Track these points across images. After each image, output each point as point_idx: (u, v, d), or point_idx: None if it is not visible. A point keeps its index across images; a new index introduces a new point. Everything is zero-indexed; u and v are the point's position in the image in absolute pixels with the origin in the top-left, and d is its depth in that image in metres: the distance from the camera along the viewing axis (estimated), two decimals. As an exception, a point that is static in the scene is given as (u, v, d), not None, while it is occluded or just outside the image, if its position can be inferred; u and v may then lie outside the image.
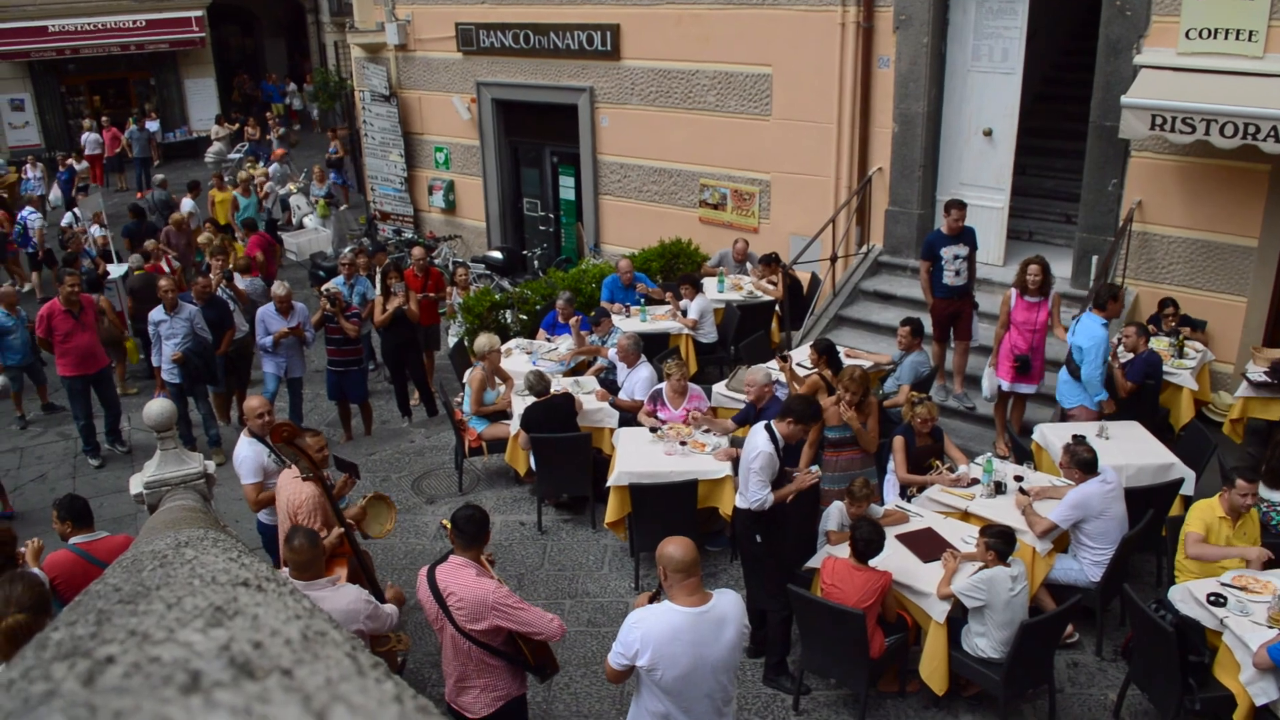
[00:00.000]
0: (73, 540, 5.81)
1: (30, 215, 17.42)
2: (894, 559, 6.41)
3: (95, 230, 15.67)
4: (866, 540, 6.00)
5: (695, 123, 13.12)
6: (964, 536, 6.70)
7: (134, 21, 26.21)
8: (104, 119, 25.25)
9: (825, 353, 8.59)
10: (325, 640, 0.95)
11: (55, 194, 21.13)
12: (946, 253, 9.20)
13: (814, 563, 6.66)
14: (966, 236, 9.28)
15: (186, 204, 17.24)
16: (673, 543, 4.47)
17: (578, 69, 14.17)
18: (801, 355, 9.44)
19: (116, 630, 0.96)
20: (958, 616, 6.13)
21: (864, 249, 11.84)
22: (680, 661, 4.33)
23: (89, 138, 24.56)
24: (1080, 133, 10.32)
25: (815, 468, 6.77)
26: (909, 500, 7.44)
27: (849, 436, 7.55)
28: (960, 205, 9.32)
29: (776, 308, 11.29)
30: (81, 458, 10.91)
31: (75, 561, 5.63)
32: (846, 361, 8.99)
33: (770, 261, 11.33)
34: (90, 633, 0.99)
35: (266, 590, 1.23)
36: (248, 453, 6.97)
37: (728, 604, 4.46)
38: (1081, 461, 6.73)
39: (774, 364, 9.13)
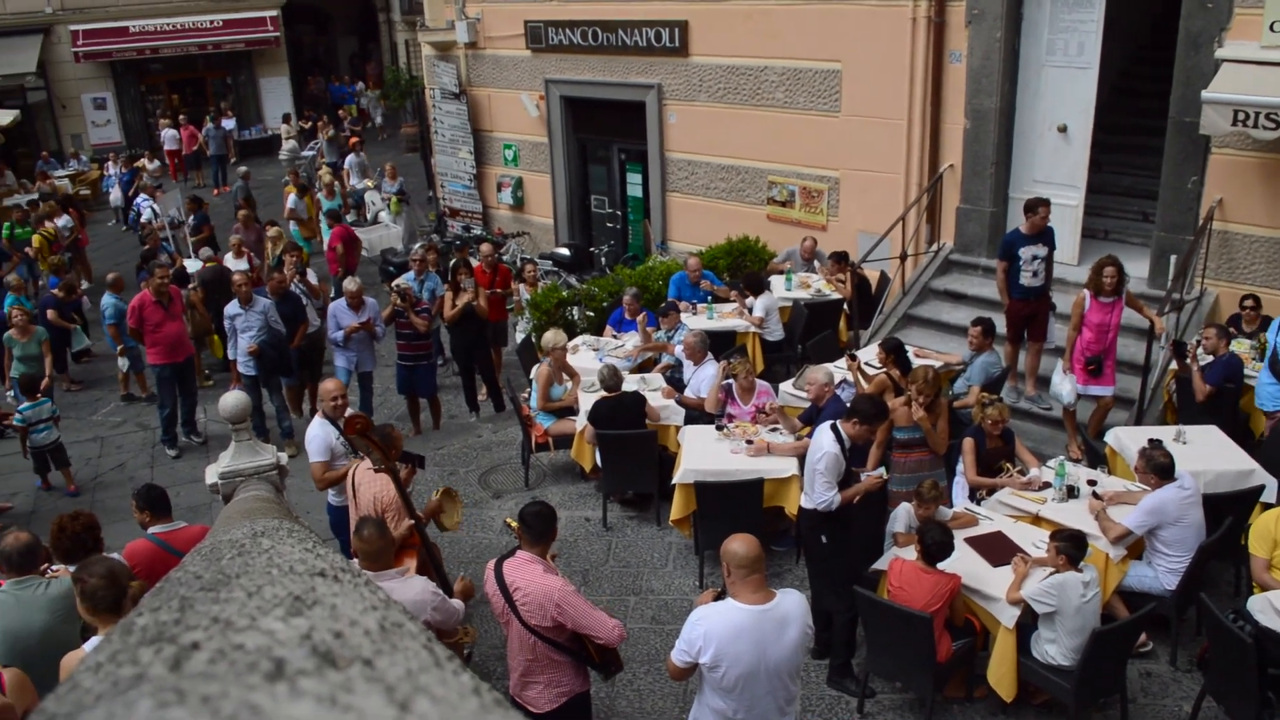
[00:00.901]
0: (151, 530, 5.95)
1: (143, 203, 17.99)
2: (963, 562, 6.32)
3: (173, 216, 16.07)
4: (935, 543, 5.93)
5: (763, 119, 13.06)
6: (1035, 541, 6.58)
7: (211, 21, 26.83)
8: (182, 117, 25.91)
9: (894, 352, 8.49)
10: (402, 632, 0.96)
11: (115, 195, 21.60)
12: (1025, 253, 9.03)
13: (881, 564, 6.59)
14: (1046, 236, 9.10)
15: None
16: (737, 539, 4.46)
17: (645, 66, 14.18)
18: (869, 354, 9.35)
19: (200, 617, 0.98)
20: (1027, 622, 6.03)
21: (934, 247, 11.69)
22: (743, 660, 4.33)
23: (167, 134, 25.25)
24: (1159, 129, 10.07)
25: (881, 470, 6.70)
26: (978, 503, 7.33)
27: (918, 438, 7.46)
28: (1045, 203, 9.11)
29: (844, 306, 11.20)
30: (159, 447, 11.20)
31: (154, 551, 5.77)
32: (915, 361, 8.88)
33: (840, 259, 11.24)
34: (174, 619, 1.01)
35: (342, 581, 1.25)
36: (318, 432, 7.24)
37: (791, 604, 4.44)
38: (1158, 466, 6.58)
39: (842, 363, 9.07)
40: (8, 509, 10.02)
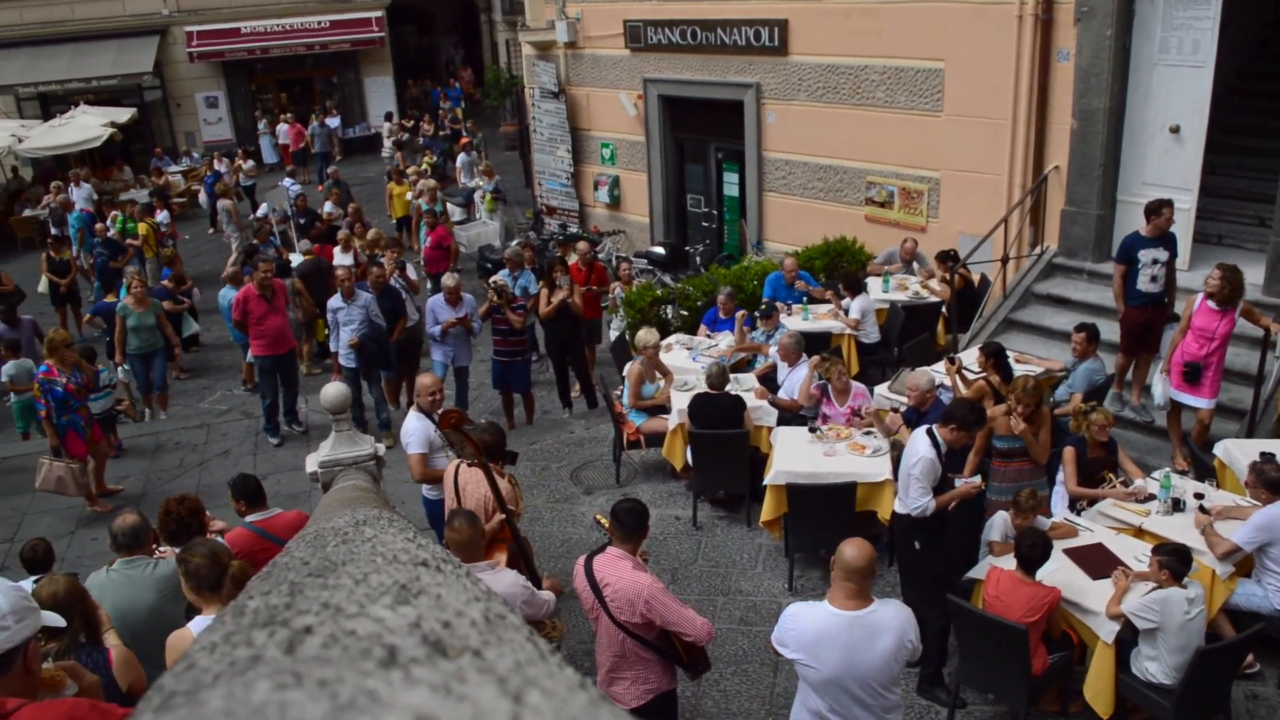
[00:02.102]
0: (249, 518, 6.13)
1: (290, 185, 18.65)
2: (1061, 574, 6.17)
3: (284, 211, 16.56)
4: (1031, 552, 5.80)
5: (863, 119, 12.90)
6: (1137, 554, 6.38)
7: (319, 22, 27.54)
8: (289, 115, 26.68)
9: (994, 357, 8.31)
10: (506, 624, 0.96)
11: (203, 198, 22.20)
12: (1145, 255, 8.73)
13: (976, 573, 6.47)
14: (1168, 240, 8.77)
15: (326, 206, 18.08)
16: (851, 543, 4.44)
17: (744, 65, 14.12)
18: (969, 359, 9.17)
19: (310, 602, 1.00)
20: (1127, 638, 5.86)
21: (1037, 250, 11.41)
22: (828, 662, 4.32)
23: (280, 128, 26.09)
24: (1277, 130, 9.67)
25: (978, 478, 6.57)
26: (1079, 514, 7.14)
27: (1019, 447, 7.28)
28: (1168, 205, 8.76)
29: (943, 309, 11.01)
30: (262, 436, 11.53)
31: (253, 538, 5.95)
32: (1016, 367, 8.69)
33: (947, 258, 11.02)
34: (285, 603, 1.03)
35: (445, 571, 1.26)
36: (416, 425, 7.32)
37: (890, 614, 4.38)
38: (1270, 481, 6.32)
39: (940, 366, 8.92)
40: (118, 491, 10.42)
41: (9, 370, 11.15)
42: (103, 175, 24.22)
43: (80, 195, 20.34)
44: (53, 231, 17.19)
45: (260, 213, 18.22)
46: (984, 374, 8.28)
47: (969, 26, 11.47)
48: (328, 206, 17.90)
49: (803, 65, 13.42)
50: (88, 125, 22.68)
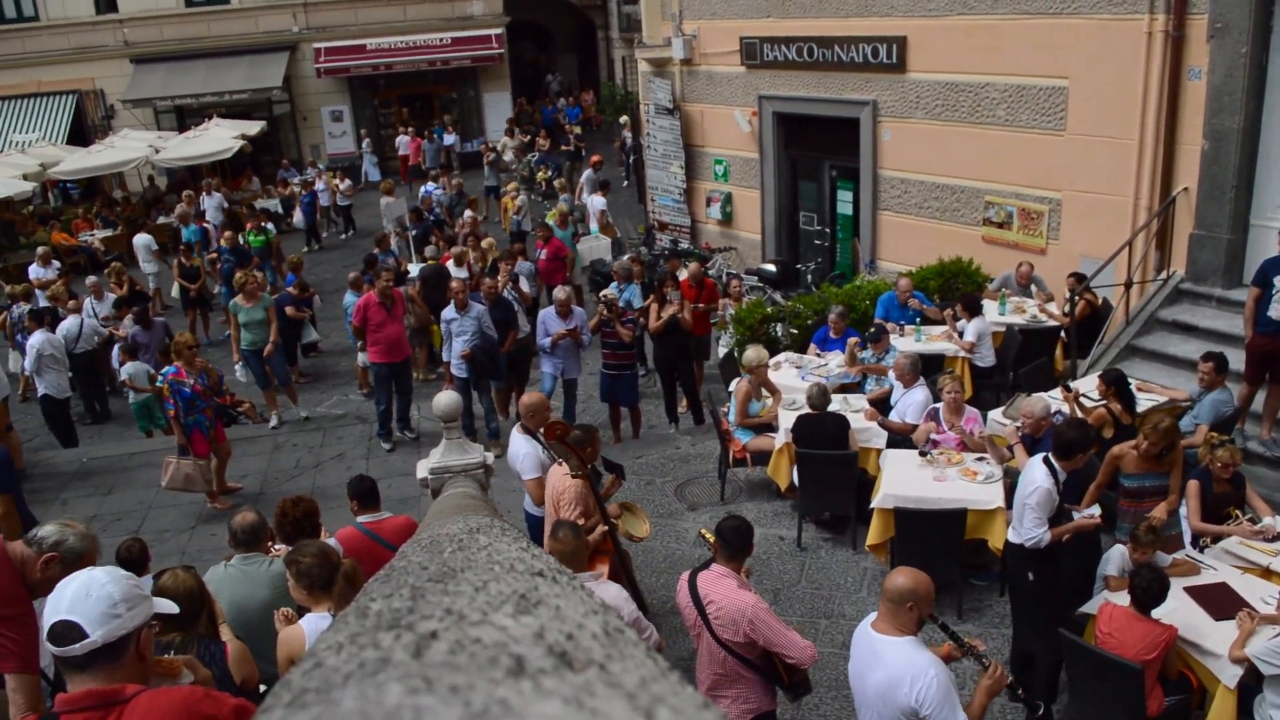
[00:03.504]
0: (360, 519, 6.30)
1: (434, 190, 19.62)
2: (1181, 612, 5.93)
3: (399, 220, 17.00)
4: (1147, 589, 5.59)
5: (982, 137, 12.66)
6: (1264, 596, 6.09)
7: (441, 39, 28.23)
8: (410, 129, 27.41)
9: (1115, 384, 8.04)
10: (625, 638, 0.95)
11: (298, 217, 22.74)
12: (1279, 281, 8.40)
13: (1090, 608, 6.26)
14: None
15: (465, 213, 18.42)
16: (902, 571, 4.45)
17: (861, 82, 14.00)
18: (1088, 385, 8.89)
19: (432, 607, 1.01)
20: (1251, 683, 5.59)
21: (1163, 275, 11.01)
22: (851, 665, 4.56)
23: (400, 140, 26.86)
24: None
25: (1096, 510, 6.35)
26: (1202, 550, 6.85)
27: (1149, 486, 6.86)
28: None
29: (1062, 334, 10.71)
30: (375, 441, 11.81)
31: (362, 538, 6.11)
32: (1139, 396, 8.40)
33: (1080, 278, 10.70)
34: (407, 606, 1.05)
35: (560, 582, 1.27)
36: (526, 449, 7.28)
37: (900, 654, 4.23)
38: None
39: (1057, 393, 8.67)
40: (238, 489, 10.79)
41: (128, 370, 11.64)
42: (232, 185, 25.23)
43: (211, 204, 21.23)
44: (184, 238, 17.95)
45: (387, 227, 18.74)
46: (1104, 402, 8.01)
47: (1095, 43, 11.16)
48: (467, 214, 18.32)
49: (921, 82, 13.24)
50: (220, 137, 23.64)
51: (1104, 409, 7.89)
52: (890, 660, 4.24)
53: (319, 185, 23.11)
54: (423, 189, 20.83)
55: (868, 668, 4.33)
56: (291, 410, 12.70)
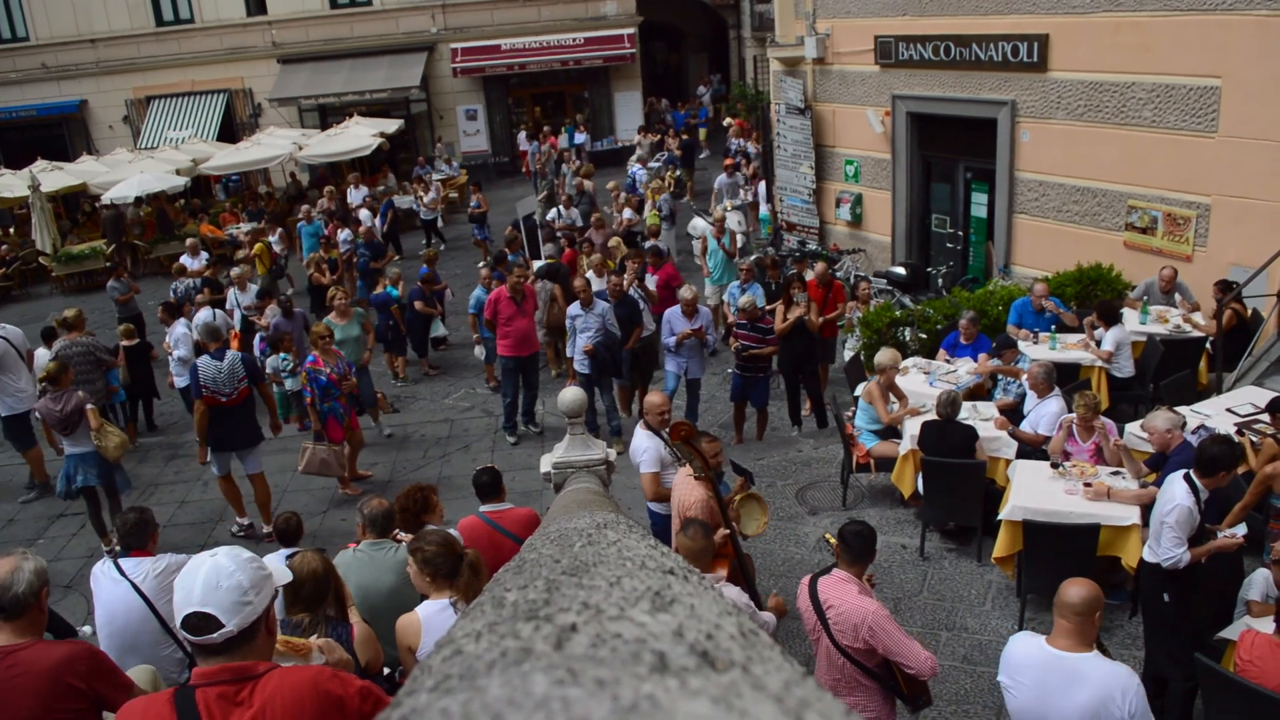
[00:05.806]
0: (482, 508, 6.43)
1: (638, 171, 20.79)
2: (1332, 642, 5.61)
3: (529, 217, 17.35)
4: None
5: (1126, 139, 12.18)
6: None
7: (574, 39, 28.61)
8: (546, 128, 27.87)
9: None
10: (760, 640, 0.94)
11: (376, 223, 22.95)
12: None
13: (1229, 633, 5.97)
14: None
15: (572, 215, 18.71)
16: (1075, 583, 4.35)
17: (999, 81, 13.63)
18: (1235, 399, 8.43)
19: (569, 600, 1.02)
20: None
21: (1321, 286, 10.44)
22: (1024, 693, 4.34)
23: (528, 143, 27.42)
24: None
25: (1241, 529, 6.06)
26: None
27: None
28: None
29: (1207, 345, 10.24)
30: (501, 434, 12.03)
31: (483, 527, 6.25)
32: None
33: (1225, 287, 10.21)
34: (543, 598, 1.06)
35: (691, 581, 1.26)
36: (647, 444, 7.37)
37: (1101, 670, 4.14)
38: None
39: (1200, 406, 8.28)
40: (368, 476, 11.13)
41: (273, 363, 12.10)
42: (370, 182, 25.98)
43: (357, 196, 21.98)
44: (323, 233, 18.58)
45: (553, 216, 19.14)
46: (1275, 432, 7.52)
47: (1251, 40, 10.63)
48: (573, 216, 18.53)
49: (1062, 82, 12.82)
50: (360, 135, 24.40)
51: (1273, 439, 7.42)
52: (1095, 678, 4.17)
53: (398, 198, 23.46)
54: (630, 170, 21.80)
55: (1062, 691, 4.19)
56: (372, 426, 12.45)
